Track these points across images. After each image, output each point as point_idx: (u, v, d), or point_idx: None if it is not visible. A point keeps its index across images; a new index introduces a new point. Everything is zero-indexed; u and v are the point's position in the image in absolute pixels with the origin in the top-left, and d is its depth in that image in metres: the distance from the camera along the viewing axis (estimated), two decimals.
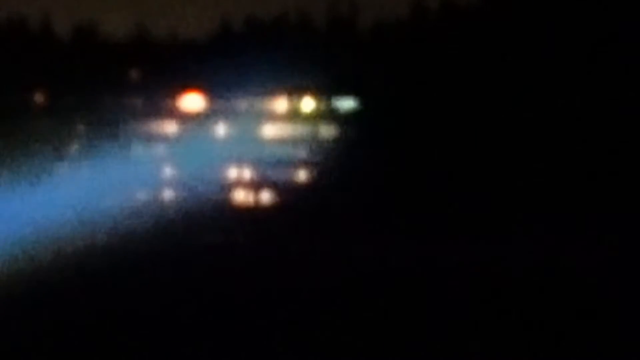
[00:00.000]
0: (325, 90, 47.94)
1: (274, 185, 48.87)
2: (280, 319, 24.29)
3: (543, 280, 32.09)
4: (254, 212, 48.46)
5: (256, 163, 49.03)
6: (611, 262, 38.00)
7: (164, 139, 49.83)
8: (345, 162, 46.69)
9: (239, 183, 49.17)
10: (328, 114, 48.27)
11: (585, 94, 43.30)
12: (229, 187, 48.74)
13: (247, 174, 49.17)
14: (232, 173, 48.81)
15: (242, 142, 48.97)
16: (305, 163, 48.57)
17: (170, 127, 49.67)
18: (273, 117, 49.28)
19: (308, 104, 48.66)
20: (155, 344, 21.40)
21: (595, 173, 42.07)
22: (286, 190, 48.49)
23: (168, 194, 47.99)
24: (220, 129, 49.35)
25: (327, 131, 48.17)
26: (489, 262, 33.71)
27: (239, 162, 49.12)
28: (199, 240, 40.86)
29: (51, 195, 40.86)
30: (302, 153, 48.64)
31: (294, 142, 49.04)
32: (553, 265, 36.22)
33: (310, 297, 28.11)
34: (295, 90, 48.49)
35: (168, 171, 48.73)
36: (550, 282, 32.06)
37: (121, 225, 40.68)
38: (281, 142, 49.17)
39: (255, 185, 49.13)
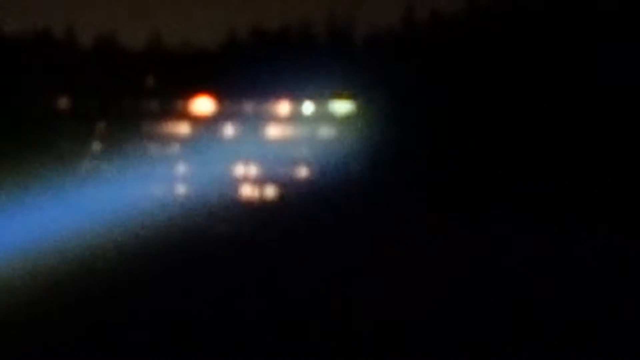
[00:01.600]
0: (324, 94, 48.66)
1: (277, 181, 49.62)
2: (282, 294, 25.38)
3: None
4: (259, 205, 49.20)
5: (261, 161, 49.85)
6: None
7: (178, 138, 50.72)
8: (340, 160, 47.24)
9: (245, 179, 49.99)
10: (326, 116, 49.03)
11: (569, 97, 44.26)
12: (237, 182, 49.62)
13: (252, 170, 50.00)
14: (240, 170, 49.66)
15: (248, 142, 49.86)
16: (305, 161, 49.33)
17: (183, 128, 50.55)
18: (276, 119, 50.08)
19: (308, 107, 49.42)
20: (176, 310, 22.15)
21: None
22: (288, 186, 49.25)
23: (181, 189, 48.98)
24: (229, 130, 50.24)
25: (325, 132, 48.90)
26: (468, 250, 33.48)
27: (246, 160, 49.94)
28: (209, 229, 41.39)
29: (74, 189, 41.73)
30: (302, 152, 49.45)
31: (295, 142, 49.89)
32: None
33: (305, 282, 28.65)
34: (297, 95, 49.18)
35: (181, 168, 49.77)
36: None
37: (137, 217, 40.33)
38: (283, 141, 50.00)
39: (260, 181, 49.89)
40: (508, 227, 38.32)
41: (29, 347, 17.61)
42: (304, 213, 44.42)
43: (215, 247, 36.53)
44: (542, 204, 39.87)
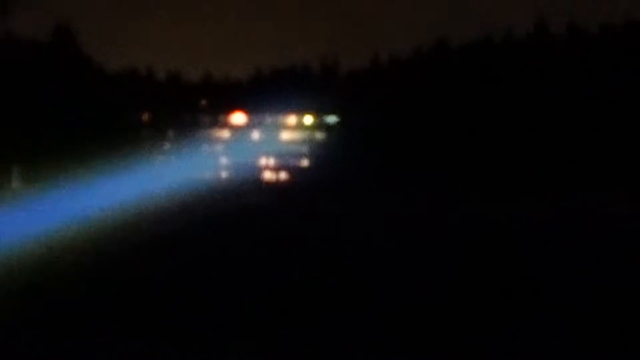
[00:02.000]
0: (318, 111, 61.32)
1: (287, 168, 62.02)
2: (292, 245, 24.47)
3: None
4: (275, 184, 61.34)
5: (276, 155, 62.30)
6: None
7: (221, 141, 63.06)
8: (330, 154, 60.14)
9: (266, 167, 62.25)
10: (320, 125, 61.91)
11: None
12: (260, 169, 62.00)
13: (271, 161, 62.42)
14: (262, 161, 62.05)
15: (268, 143, 62.31)
16: (305, 155, 62.12)
17: (225, 133, 63.12)
18: (287, 127, 62.80)
19: (308, 119, 62.21)
20: (223, 244, 23.05)
21: None
22: (294, 171, 61.85)
23: (224, 174, 61.48)
24: (255, 135, 63.01)
25: (319, 136, 62.01)
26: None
27: (266, 154, 62.43)
28: (242, 200, 48.84)
29: (152, 174, 50.26)
30: (304, 149, 62.25)
31: (299, 142, 62.68)
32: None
33: (307, 232, 29.47)
34: (300, 111, 61.86)
35: (224, 160, 62.25)
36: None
37: (195, 192, 47.89)
38: (291, 142, 62.83)
39: (276, 168, 62.29)
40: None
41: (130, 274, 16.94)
42: (304, 189, 56.21)
43: (246, 211, 41.29)
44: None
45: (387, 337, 10.93)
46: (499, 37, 60.53)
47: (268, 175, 62.03)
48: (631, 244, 23.76)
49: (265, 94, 59.97)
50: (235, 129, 62.95)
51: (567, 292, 14.59)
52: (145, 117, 59.71)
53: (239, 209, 41.99)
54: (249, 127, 62.81)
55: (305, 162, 62.15)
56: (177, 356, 9.74)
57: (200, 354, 9.78)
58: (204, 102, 62.24)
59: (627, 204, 40.11)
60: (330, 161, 59.17)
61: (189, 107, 61.05)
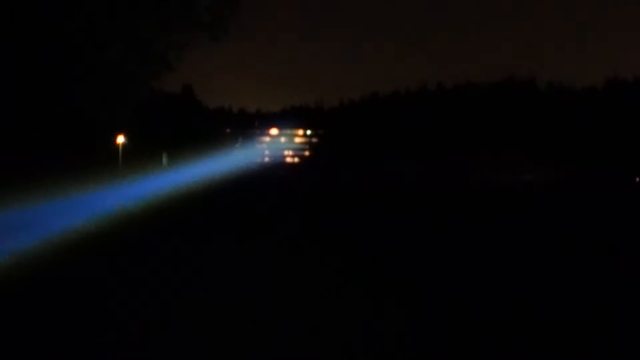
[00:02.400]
0: (314, 128, 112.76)
1: (297, 157, 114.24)
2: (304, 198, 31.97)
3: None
4: (291, 165, 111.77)
5: (292, 150, 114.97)
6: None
7: (265, 143, 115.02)
8: (319, 150, 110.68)
9: (286, 156, 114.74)
10: (314, 136, 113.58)
11: None
12: (284, 157, 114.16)
13: (289, 154, 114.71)
14: (285, 153, 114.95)
15: (288, 144, 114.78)
16: (307, 150, 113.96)
17: (266, 139, 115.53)
18: (298, 136, 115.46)
19: (309, 132, 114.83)
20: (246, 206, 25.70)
21: None
22: (300, 158, 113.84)
23: (266, 161, 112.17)
24: (282, 140, 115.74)
25: (314, 140, 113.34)
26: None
27: (287, 150, 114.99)
28: (276, 173, 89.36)
29: (231, 160, 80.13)
30: (306, 147, 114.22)
31: (304, 144, 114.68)
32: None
33: (305, 184, 49.35)
34: (305, 128, 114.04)
35: (266, 153, 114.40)
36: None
37: (248, 172, 77.55)
38: (300, 144, 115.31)
39: (291, 157, 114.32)
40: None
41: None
42: (305, 166, 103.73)
43: (276, 177, 71.23)
44: None
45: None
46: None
47: (288, 160, 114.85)
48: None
49: (286, 119, 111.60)
50: (272, 137, 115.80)
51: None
52: (227, 131, 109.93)
53: (273, 176, 76.33)
54: (278, 136, 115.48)
55: (306, 153, 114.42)
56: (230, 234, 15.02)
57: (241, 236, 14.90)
58: (256, 123, 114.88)
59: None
60: (320, 153, 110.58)
61: (248, 127, 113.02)
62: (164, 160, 63.54)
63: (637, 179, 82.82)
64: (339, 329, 7.08)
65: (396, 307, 8.16)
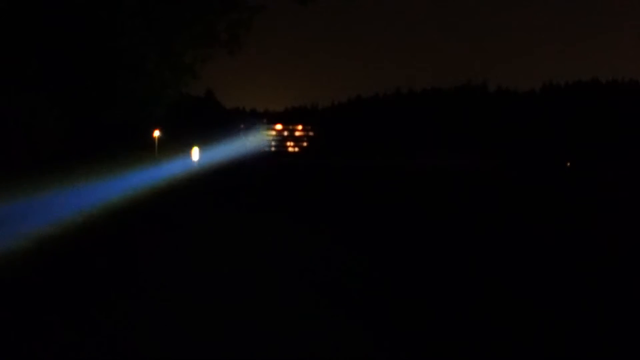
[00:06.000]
0: (311, 125, 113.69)
1: (298, 147, 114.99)
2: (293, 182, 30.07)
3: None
4: (293, 153, 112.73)
5: (294, 140, 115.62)
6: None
7: (271, 135, 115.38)
8: (315, 141, 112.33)
9: (289, 146, 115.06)
10: (310, 130, 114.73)
11: None
12: (287, 147, 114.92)
13: (291, 143, 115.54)
14: (288, 143, 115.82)
15: (290, 136, 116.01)
16: (306, 140, 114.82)
17: (272, 133, 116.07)
18: (298, 130, 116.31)
19: (306, 127, 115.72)
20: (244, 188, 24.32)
21: None
22: (300, 147, 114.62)
23: (273, 148, 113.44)
24: (285, 133, 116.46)
25: (311, 133, 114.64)
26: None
27: (289, 140, 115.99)
28: (281, 159, 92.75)
29: (244, 145, 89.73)
30: (305, 139, 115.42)
31: (303, 137, 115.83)
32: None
33: (301, 166, 59.46)
34: (304, 124, 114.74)
35: (273, 142, 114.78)
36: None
37: (258, 158, 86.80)
38: (300, 137, 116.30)
39: (293, 146, 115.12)
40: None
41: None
42: (304, 152, 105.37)
43: (281, 159, 79.33)
44: None
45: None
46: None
47: (290, 150, 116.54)
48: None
49: (289, 116, 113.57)
50: (277, 131, 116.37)
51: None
52: (242, 127, 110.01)
53: (278, 161, 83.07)
54: (282, 130, 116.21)
55: (304, 144, 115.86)
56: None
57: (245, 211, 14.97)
58: (264, 120, 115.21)
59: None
60: (315, 144, 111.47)
61: (259, 122, 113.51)
62: (193, 149, 63.69)
63: (567, 164, 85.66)
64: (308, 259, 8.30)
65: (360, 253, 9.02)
